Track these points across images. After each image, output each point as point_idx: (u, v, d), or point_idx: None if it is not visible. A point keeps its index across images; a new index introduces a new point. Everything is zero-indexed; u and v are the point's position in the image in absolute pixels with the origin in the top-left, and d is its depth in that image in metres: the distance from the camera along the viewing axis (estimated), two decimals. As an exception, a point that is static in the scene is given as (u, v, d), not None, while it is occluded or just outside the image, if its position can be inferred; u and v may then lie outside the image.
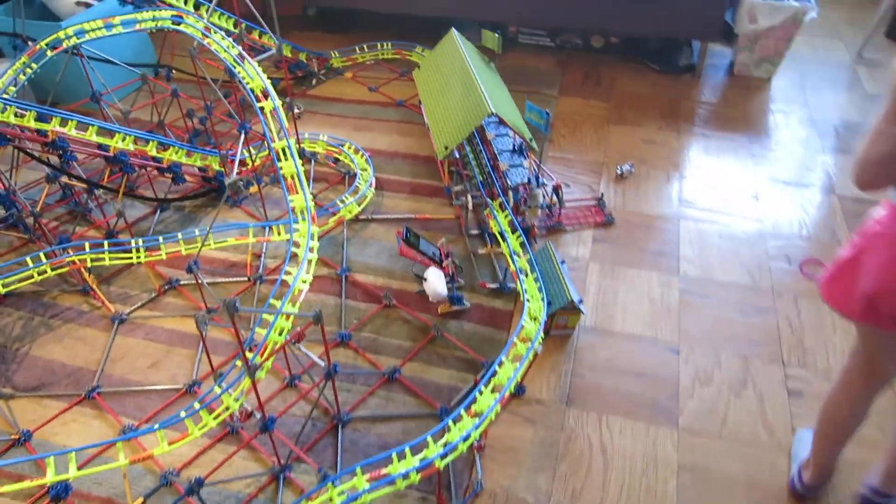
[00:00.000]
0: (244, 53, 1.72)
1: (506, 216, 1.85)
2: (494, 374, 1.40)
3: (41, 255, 1.72)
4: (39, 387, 1.64)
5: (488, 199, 1.92)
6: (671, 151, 2.36)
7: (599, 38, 2.90)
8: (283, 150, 1.65)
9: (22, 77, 1.80)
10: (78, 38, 1.82)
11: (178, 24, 1.78)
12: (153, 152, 1.89)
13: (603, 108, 2.59)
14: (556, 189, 1.97)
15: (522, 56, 2.93)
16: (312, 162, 2.32)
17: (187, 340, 1.74)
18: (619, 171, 2.23)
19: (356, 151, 2.27)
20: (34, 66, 1.81)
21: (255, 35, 2.47)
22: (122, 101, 2.57)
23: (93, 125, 1.73)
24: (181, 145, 1.96)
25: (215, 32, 1.74)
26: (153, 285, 1.87)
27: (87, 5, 2.58)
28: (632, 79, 2.77)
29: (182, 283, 1.88)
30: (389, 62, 2.88)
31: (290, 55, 2.64)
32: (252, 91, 1.70)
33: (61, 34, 1.81)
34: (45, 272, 1.72)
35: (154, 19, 1.79)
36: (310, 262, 1.51)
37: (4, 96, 1.81)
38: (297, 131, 2.22)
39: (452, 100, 1.98)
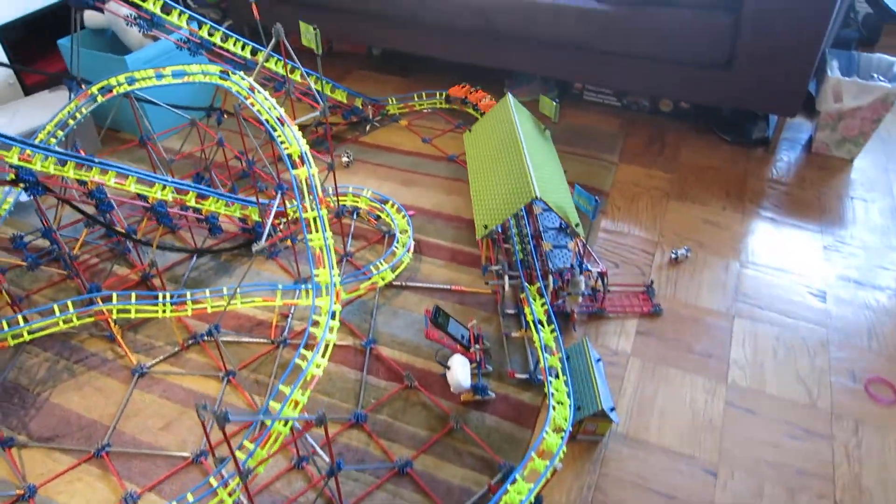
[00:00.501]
0: (284, 117, 1.68)
1: (542, 305, 1.74)
2: (506, 492, 1.30)
3: (69, 303, 1.72)
4: (52, 438, 1.63)
5: (525, 284, 1.81)
6: (733, 236, 2.20)
7: (668, 103, 2.75)
8: (315, 221, 1.60)
9: (71, 121, 1.82)
10: (129, 86, 1.82)
11: (225, 80, 1.77)
12: (192, 203, 1.88)
13: (664, 180, 2.45)
14: (602, 276, 1.85)
15: (585, 114, 2.81)
16: (354, 216, 2.27)
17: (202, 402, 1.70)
18: (673, 255, 2.09)
19: (398, 211, 2.21)
20: (84, 110, 1.82)
21: (311, 80, 2.45)
22: (176, 136, 2.59)
23: (132, 175, 1.73)
24: (220, 195, 1.94)
25: (258, 93, 1.71)
26: (177, 338, 1.85)
27: (155, 38, 2.62)
28: (699, 149, 2.61)
29: (206, 338, 1.86)
30: (447, 112, 2.82)
31: (345, 101, 2.61)
32: (290, 156, 1.66)
33: (113, 80, 1.82)
34: (71, 321, 1.72)
35: (203, 73, 1.78)
36: (327, 344, 1.45)
37: (52, 141, 1.83)
38: (335, 186, 2.16)
39: (499, 174, 1.89)
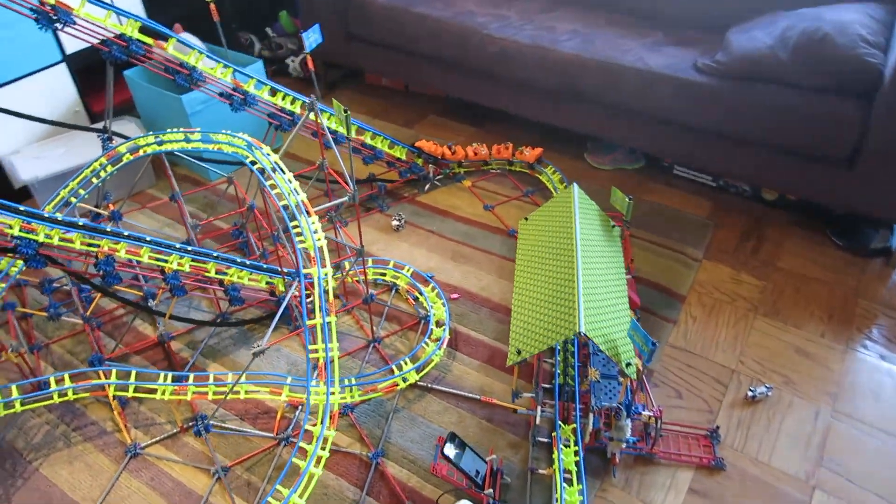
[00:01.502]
0: (304, 206, 1.50)
1: (574, 454, 1.48)
2: None
3: (66, 377, 1.62)
4: (29, 519, 1.54)
5: (559, 423, 1.55)
6: (829, 374, 1.83)
7: (773, 191, 2.39)
8: (320, 328, 1.42)
9: (95, 180, 1.73)
10: (158, 146, 1.71)
11: (247, 154, 1.61)
12: (212, 274, 1.74)
13: (755, 288, 2.10)
14: (655, 418, 1.56)
15: (671, 192, 2.49)
16: (392, 293, 2.08)
17: (187, 500, 1.56)
18: (750, 393, 1.76)
19: (438, 297, 1.99)
20: (109, 168, 1.73)
21: (366, 136, 2.28)
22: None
23: (145, 247, 1.61)
24: (243, 265, 1.80)
25: (279, 173, 1.54)
26: (176, 418, 1.72)
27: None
28: (803, 252, 2.24)
29: (200, 433, 1.72)
30: (517, 176, 2.57)
31: (402, 157, 2.42)
32: (305, 250, 1.48)
33: (141, 141, 1.71)
34: (66, 395, 1.62)
35: (229, 143, 1.63)
36: (310, 478, 1.26)
37: (73, 200, 1.75)
38: (364, 268, 1.98)
39: (545, 287, 1.64)
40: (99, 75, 1.99)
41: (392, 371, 1.76)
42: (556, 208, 1.84)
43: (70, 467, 1.64)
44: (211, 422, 1.71)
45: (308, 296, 1.54)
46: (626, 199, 1.79)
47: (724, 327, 1.98)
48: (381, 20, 2.71)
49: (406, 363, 1.77)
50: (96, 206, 1.87)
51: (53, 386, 1.60)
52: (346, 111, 1.49)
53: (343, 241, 1.88)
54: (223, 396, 1.65)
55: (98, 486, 1.60)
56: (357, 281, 2.03)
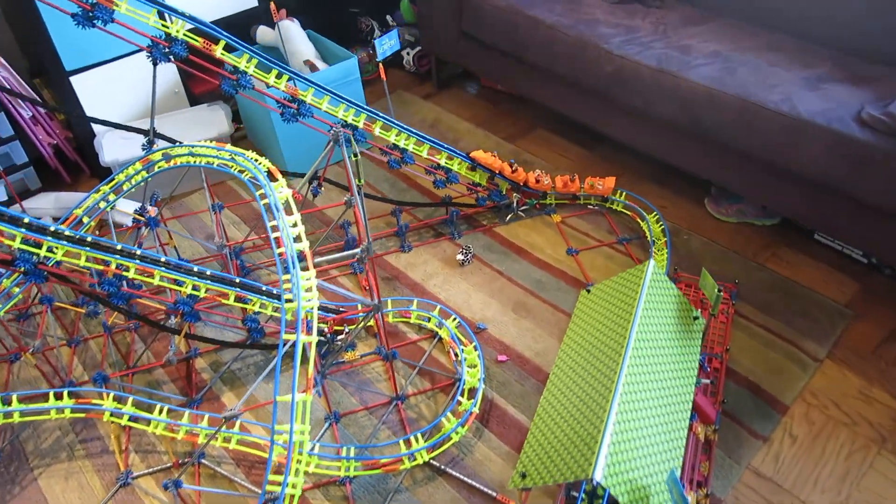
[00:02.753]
0: (303, 256, 1.29)
1: None
2: None
3: (65, 393, 1.57)
4: (12, 531, 1.51)
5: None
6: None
7: (945, 283, 1.84)
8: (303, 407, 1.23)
9: (127, 185, 1.64)
10: (191, 158, 1.58)
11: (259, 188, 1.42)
12: (231, 302, 1.60)
13: (889, 413, 1.62)
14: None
15: (805, 262, 2.00)
16: (434, 341, 1.84)
17: (158, 549, 1.46)
18: (845, 566, 1.35)
19: (478, 359, 1.72)
20: (144, 173, 1.63)
21: (441, 158, 2.03)
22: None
23: (158, 269, 1.49)
24: (268, 296, 1.64)
25: (282, 217, 1.34)
26: (170, 452, 1.63)
27: (314, 68, 2.39)
28: (971, 371, 1.70)
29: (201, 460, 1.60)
30: (616, 216, 2.20)
31: (483, 183, 2.14)
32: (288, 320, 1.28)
33: (173, 151, 1.60)
34: (64, 412, 1.57)
35: (247, 169, 1.46)
36: None
37: (102, 204, 1.68)
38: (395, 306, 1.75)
39: (576, 396, 1.32)
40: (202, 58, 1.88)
41: (400, 446, 1.54)
42: (622, 287, 1.49)
43: (65, 483, 1.60)
44: (205, 461, 1.60)
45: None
46: (716, 291, 1.41)
47: (832, 458, 1.54)
48: (494, 20, 2.41)
49: (418, 439, 1.54)
50: (141, 209, 1.80)
51: (52, 401, 1.55)
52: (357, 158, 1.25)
53: (350, 295, 1.67)
54: (208, 441, 1.52)
55: (84, 509, 1.55)
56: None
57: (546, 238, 2.14)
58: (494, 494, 1.49)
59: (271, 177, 1.42)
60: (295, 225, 1.34)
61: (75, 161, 2.51)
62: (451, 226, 2.17)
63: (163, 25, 1.64)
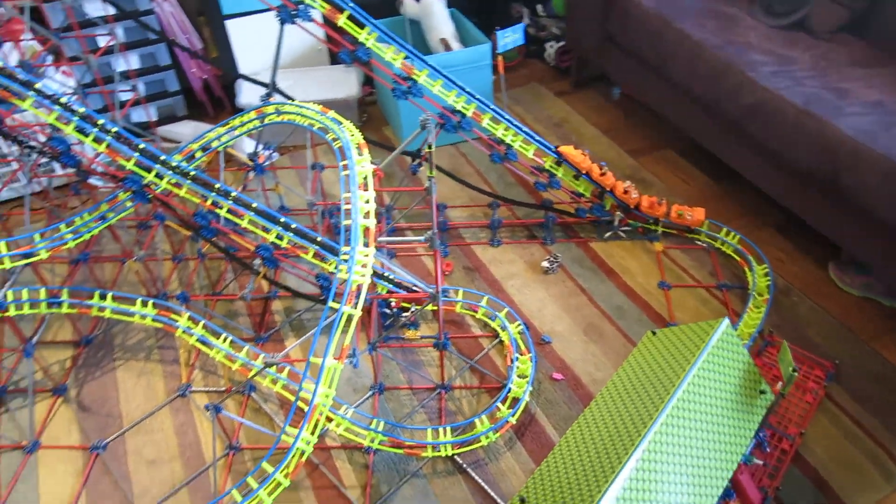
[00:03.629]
0: (367, 234, 1.32)
1: None
2: None
3: (150, 302, 1.73)
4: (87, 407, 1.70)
5: None
6: None
7: None
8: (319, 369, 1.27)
9: (241, 129, 1.76)
10: (300, 118, 1.65)
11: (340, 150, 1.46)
12: (310, 258, 1.67)
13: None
14: None
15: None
16: (495, 341, 1.82)
17: (195, 462, 1.59)
18: None
19: (522, 376, 1.69)
20: (251, 125, 1.74)
21: (547, 162, 1.97)
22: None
23: (247, 213, 1.59)
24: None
25: (354, 190, 1.37)
26: (225, 378, 1.74)
27: (448, 47, 2.41)
28: None
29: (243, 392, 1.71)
30: (723, 259, 2.04)
31: (587, 194, 2.07)
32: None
33: (269, 108, 1.69)
34: (145, 319, 1.73)
35: (328, 128, 1.50)
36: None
37: (215, 143, 1.80)
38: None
39: (600, 438, 1.26)
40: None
41: (427, 433, 1.55)
42: (686, 340, 1.38)
43: (136, 380, 1.77)
44: (254, 394, 1.71)
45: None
46: (791, 371, 1.27)
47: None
48: (640, 26, 2.30)
49: (446, 432, 1.54)
50: (251, 154, 1.93)
51: (138, 307, 1.72)
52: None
53: (410, 279, 1.69)
54: (250, 376, 1.62)
55: (144, 408, 1.71)
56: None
57: (641, 265, 2.03)
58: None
59: (360, 151, 1.46)
60: (367, 202, 1.38)
61: (220, 97, 2.72)
62: (546, 231, 2.13)
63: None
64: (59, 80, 2.13)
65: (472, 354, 1.80)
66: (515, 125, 1.94)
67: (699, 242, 2.09)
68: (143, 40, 2.49)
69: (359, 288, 1.29)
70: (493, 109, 1.88)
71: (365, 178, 1.41)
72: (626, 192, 2.02)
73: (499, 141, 1.95)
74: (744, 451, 1.30)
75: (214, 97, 2.74)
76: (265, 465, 1.24)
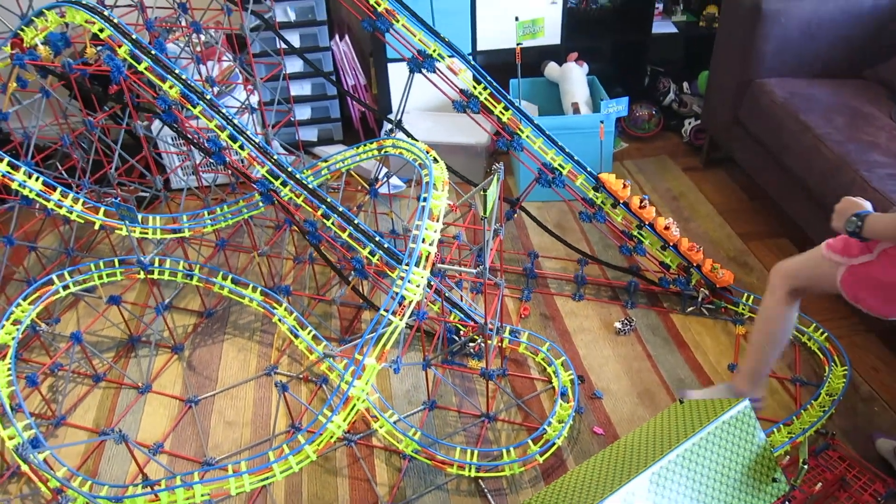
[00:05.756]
0: (429, 260, 1.50)
1: None
2: None
3: (259, 289, 2.02)
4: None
5: None
6: None
7: None
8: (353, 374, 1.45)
9: (361, 156, 2.02)
10: (407, 153, 1.89)
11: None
12: (395, 275, 1.89)
13: None
14: None
15: None
16: (548, 386, 1.90)
17: (262, 431, 1.83)
18: None
19: (560, 421, 1.75)
20: (372, 152, 2.00)
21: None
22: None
23: (349, 227, 1.83)
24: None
25: (426, 218, 1.55)
26: (305, 366, 1.98)
27: (578, 111, 2.56)
28: None
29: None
30: (808, 354, 1.96)
31: (673, 267, 2.09)
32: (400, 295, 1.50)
33: (387, 142, 1.93)
34: (252, 303, 2.02)
35: (423, 164, 1.70)
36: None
37: (339, 165, 2.08)
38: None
39: (582, 489, 1.31)
40: (496, 75, 2.14)
41: (456, 451, 1.68)
42: (705, 412, 1.39)
43: (236, 353, 2.08)
44: (325, 386, 1.93)
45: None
46: (802, 464, 1.26)
47: None
48: (767, 114, 2.30)
49: (473, 454, 1.66)
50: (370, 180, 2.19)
51: (249, 291, 2.02)
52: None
53: (469, 309, 1.80)
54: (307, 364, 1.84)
55: (236, 377, 2.00)
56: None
57: (717, 344, 2.02)
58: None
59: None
60: (435, 231, 1.56)
61: (373, 128, 3.07)
62: (629, 294, 2.17)
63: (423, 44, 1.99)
64: (237, 98, 2.56)
65: (527, 392, 1.90)
66: (605, 190, 2.04)
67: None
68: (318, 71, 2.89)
69: (409, 303, 1.47)
70: (587, 173, 2.00)
71: (438, 209, 1.60)
72: (666, 227, 2.05)
73: (590, 202, 2.06)
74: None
75: (368, 127, 3.10)
76: (300, 437, 1.44)
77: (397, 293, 1.47)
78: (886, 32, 2.37)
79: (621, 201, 2.05)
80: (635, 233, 2.07)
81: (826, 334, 1.95)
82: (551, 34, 2.82)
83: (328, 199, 1.87)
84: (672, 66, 3.18)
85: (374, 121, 3.08)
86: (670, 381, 1.91)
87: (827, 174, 2.01)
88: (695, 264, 2.04)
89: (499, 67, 2.73)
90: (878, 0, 2.34)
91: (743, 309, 2.08)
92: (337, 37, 2.89)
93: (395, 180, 2.65)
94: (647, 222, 2.04)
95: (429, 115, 2.88)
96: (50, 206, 1.97)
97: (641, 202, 2.05)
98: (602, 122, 2.10)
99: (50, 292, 1.87)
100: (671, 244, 2.04)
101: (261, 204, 2.07)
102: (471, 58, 1.97)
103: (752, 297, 2.07)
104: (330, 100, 2.98)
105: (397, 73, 2.86)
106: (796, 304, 1.58)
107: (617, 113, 2.10)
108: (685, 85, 3.06)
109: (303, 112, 3.01)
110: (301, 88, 2.99)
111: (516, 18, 1.94)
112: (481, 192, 1.42)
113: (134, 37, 1.80)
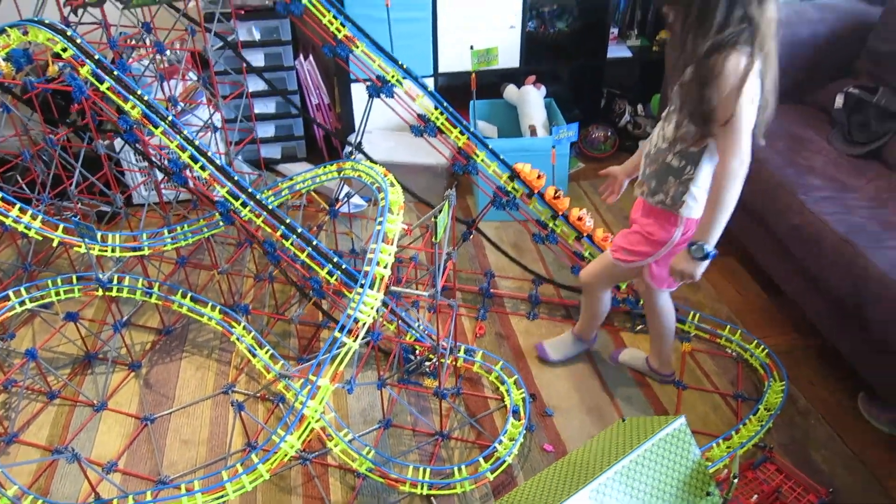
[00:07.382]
0: (383, 283, 1.55)
1: None
2: None
3: (218, 308, 2.04)
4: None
5: None
6: None
7: None
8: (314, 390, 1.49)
9: (322, 178, 2.06)
10: (365, 176, 1.94)
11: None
12: (352, 296, 1.92)
13: None
14: None
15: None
16: (500, 405, 1.96)
17: (218, 449, 1.85)
18: None
19: (510, 439, 1.80)
20: (325, 176, 2.04)
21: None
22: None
23: (306, 248, 1.87)
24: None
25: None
26: (265, 386, 2.01)
27: (535, 133, 2.63)
28: None
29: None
30: (750, 371, 2.05)
31: (622, 286, 2.16)
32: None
33: (359, 165, 1.97)
34: (210, 322, 2.04)
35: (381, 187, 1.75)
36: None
37: (301, 186, 2.11)
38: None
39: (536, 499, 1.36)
40: (457, 95, 2.19)
41: (408, 469, 1.72)
42: (641, 430, 1.45)
43: (194, 372, 2.09)
44: (281, 405, 1.96)
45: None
46: (733, 478, 1.33)
47: None
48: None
49: (425, 472, 1.70)
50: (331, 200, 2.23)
51: (207, 310, 2.04)
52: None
53: (418, 329, 1.85)
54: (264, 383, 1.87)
55: (193, 396, 2.01)
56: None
57: (664, 362, 2.10)
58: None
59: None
60: (389, 254, 1.60)
61: (336, 146, 3.11)
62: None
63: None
64: (199, 117, 2.58)
65: (480, 411, 1.95)
66: (562, 217, 2.10)
67: (729, 350, 2.12)
68: (282, 90, 2.93)
69: (363, 325, 1.51)
70: (498, 157, 2.08)
71: (392, 233, 1.64)
72: (579, 218, 2.11)
73: (543, 225, 2.12)
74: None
75: (332, 145, 3.14)
76: (254, 456, 1.47)
77: (350, 315, 1.51)
78: (824, 60, 2.49)
79: (535, 192, 2.10)
80: (549, 223, 2.13)
81: (767, 350, 2.04)
82: (510, 58, 2.90)
83: (287, 220, 1.90)
84: (627, 89, 3.28)
85: (337, 138, 3.12)
86: (619, 399, 1.98)
87: (768, 197, 2.11)
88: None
89: (460, 88, 2.81)
90: (816, 28, 2.47)
91: (689, 327, 2.17)
92: (301, 56, 2.94)
93: (357, 199, 2.69)
94: (560, 213, 2.11)
95: (391, 135, 2.93)
96: (8, 222, 1.97)
97: (556, 193, 2.10)
98: (554, 146, 2.17)
99: (5, 308, 1.87)
100: (584, 234, 2.11)
101: (221, 223, 2.10)
102: (429, 83, 2.03)
103: (697, 315, 2.17)
104: (294, 118, 3.02)
105: (360, 93, 2.91)
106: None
107: (568, 138, 2.18)
108: (640, 107, 3.17)
109: (267, 130, 3.04)
110: (265, 106, 3.02)
111: (471, 48, 2.00)
112: (432, 219, 1.48)
113: (97, 56, 1.82)
